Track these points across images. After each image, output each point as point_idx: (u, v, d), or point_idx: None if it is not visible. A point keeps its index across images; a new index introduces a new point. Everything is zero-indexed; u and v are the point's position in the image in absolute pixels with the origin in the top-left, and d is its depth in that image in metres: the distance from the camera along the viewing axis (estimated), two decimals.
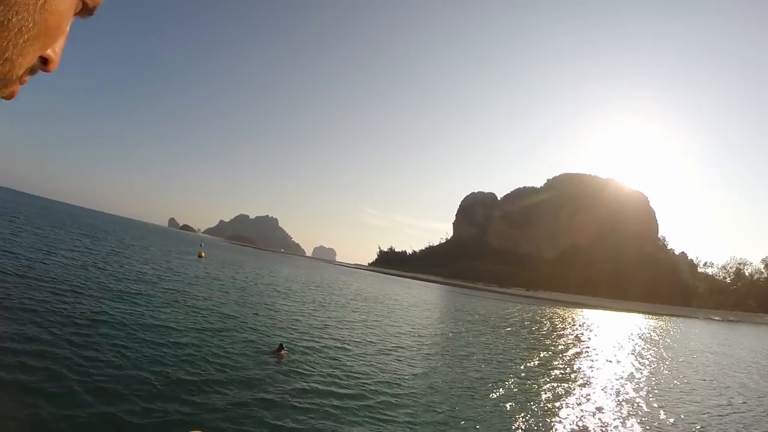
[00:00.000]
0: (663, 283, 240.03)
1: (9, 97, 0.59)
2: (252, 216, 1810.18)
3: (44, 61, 0.60)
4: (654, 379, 23.08)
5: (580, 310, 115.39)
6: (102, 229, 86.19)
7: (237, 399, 10.36)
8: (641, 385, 20.70)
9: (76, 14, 0.60)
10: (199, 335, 15.88)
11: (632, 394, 18.74)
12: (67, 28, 0.60)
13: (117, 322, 15.23)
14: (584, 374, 21.62)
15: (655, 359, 31.08)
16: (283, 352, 15.19)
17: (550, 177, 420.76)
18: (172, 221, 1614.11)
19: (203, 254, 67.48)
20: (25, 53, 0.55)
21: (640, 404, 17.24)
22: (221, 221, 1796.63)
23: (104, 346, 12.39)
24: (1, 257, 23.35)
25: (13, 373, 9.29)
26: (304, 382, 12.81)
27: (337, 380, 13.69)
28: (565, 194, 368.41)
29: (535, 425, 13.09)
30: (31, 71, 0.59)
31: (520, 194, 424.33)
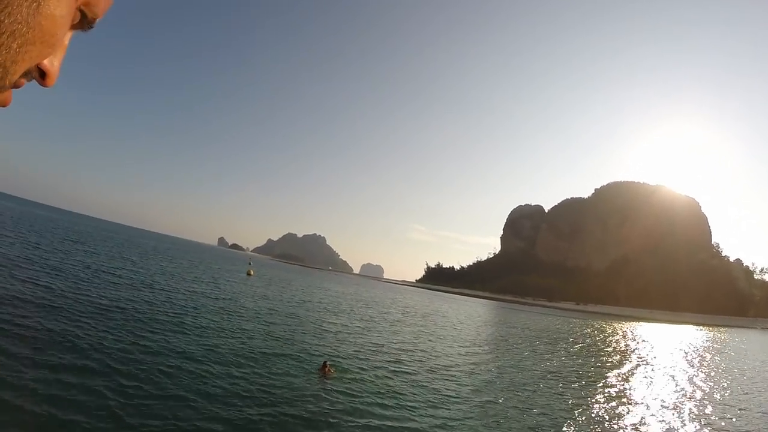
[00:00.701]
0: (717, 292, 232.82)
1: (2, 104, 0.58)
2: (300, 234, 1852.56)
3: (42, 75, 0.59)
4: (720, 396, 21.87)
5: (632, 323, 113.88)
6: (154, 249, 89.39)
7: (279, 418, 10.33)
8: (710, 405, 19.48)
9: (75, 27, 0.60)
10: (246, 352, 15.94)
11: (704, 414, 17.69)
12: (66, 41, 0.59)
13: (164, 341, 15.34)
14: (648, 393, 20.47)
15: (719, 375, 29.92)
16: (327, 369, 14.89)
17: (598, 186, 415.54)
18: (221, 240, 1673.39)
19: (252, 272, 68.88)
20: (18, 59, 0.54)
21: (712, 424, 16.28)
22: (269, 240, 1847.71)
23: (151, 364, 12.50)
24: (57, 277, 24.00)
25: (55, 394, 9.32)
26: (348, 400, 12.53)
27: (383, 399, 13.33)
28: (613, 203, 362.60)
29: None
30: (26, 75, 0.58)
31: (567, 205, 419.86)
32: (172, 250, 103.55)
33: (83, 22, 0.61)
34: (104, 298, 20.78)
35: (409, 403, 13.54)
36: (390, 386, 15.08)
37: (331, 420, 10.91)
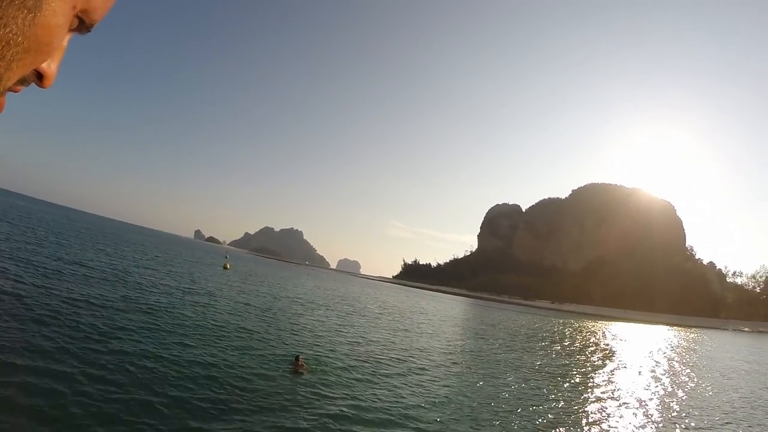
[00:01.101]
0: (691, 294, 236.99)
1: None
2: (277, 229, 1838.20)
3: (39, 77, 0.59)
4: (691, 395, 22.40)
5: (607, 322, 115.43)
6: (127, 240, 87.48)
7: (247, 412, 10.23)
8: (680, 402, 20.21)
9: (72, 30, 0.60)
10: (219, 347, 15.80)
11: (673, 411, 18.36)
12: (65, 43, 0.59)
13: (137, 335, 15.07)
14: (620, 391, 20.90)
15: (689, 374, 30.52)
16: (300, 363, 14.88)
17: (575, 187, 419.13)
18: (197, 233, 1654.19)
19: (228, 266, 68.45)
20: (13, 67, 0.54)
21: (682, 422, 16.71)
22: (246, 233, 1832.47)
23: (120, 359, 12.21)
24: (24, 267, 23.43)
25: (18, 390, 8.93)
26: (317, 395, 12.48)
27: (354, 395, 13.28)
28: (590, 204, 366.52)
29: None
30: (23, 81, 0.58)
31: (544, 205, 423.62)
32: (147, 242, 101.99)
33: (81, 26, 0.61)
34: (73, 292, 20.08)
35: (381, 400, 13.48)
36: (363, 382, 15.12)
37: (298, 414, 10.89)
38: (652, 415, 17.23)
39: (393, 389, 14.73)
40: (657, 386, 23.58)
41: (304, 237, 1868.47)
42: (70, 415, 8.39)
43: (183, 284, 33.19)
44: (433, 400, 14.39)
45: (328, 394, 12.77)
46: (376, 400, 13.20)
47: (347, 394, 13.19)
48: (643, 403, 18.85)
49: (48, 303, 16.60)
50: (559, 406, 16.35)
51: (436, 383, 16.92)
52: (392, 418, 12.03)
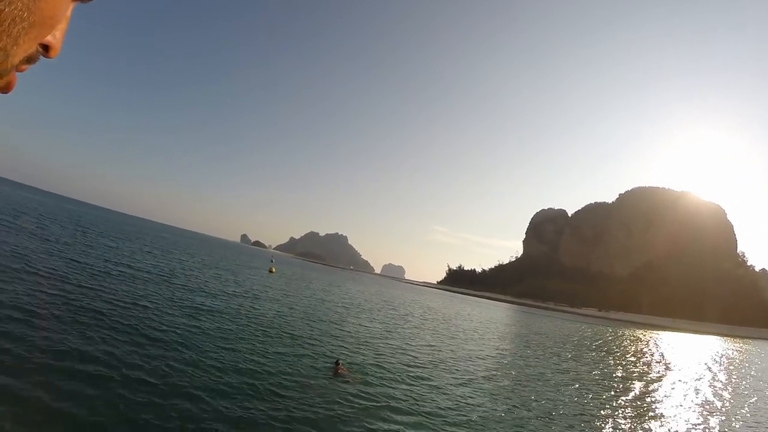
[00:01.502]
0: (742, 302, 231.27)
1: (4, 90, 0.58)
2: (322, 233, 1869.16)
3: (45, 48, 0.59)
4: (741, 411, 21.08)
5: (656, 332, 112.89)
6: (175, 243, 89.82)
7: (283, 415, 10.09)
8: (731, 419, 18.92)
9: (76, 0, 0.60)
10: (261, 350, 15.60)
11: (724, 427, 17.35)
12: (68, 13, 0.59)
13: (182, 336, 15.05)
14: (670, 405, 19.77)
15: (748, 388, 28.99)
16: (340, 367, 14.69)
17: (622, 191, 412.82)
18: (244, 237, 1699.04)
19: (274, 269, 69.60)
20: (20, 43, 0.54)
21: None
22: (292, 238, 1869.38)
23: (165, 359, 12.24)
24: (75, 269, 23.48)
25: (65, 392, 8.83)
26: (356, 400, 12.19)
27: (395, 402, 12.86)
28: (637, 208, 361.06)
29: None
30: (30, 60, 0.58)
31: (591, 210, 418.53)
32: (195, 246, 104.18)
33: None
34: (123, 293, 20.29)
35: (422, 407, 12.90)
36: (403, 389, 14.48)
37: (336, 419, 10.62)
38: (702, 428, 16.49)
39: (438, 399, 14.02)
40: (717, 401, 22.48)
41: (349, 242, 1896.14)
42: (106, 419, 8.11)
43: (228, 287, 33.04)
44: (481, 410, 13.62)
45: (364, 399, 12.41)
46: (415, 407, 12.66)
47: (385, 400, 12.77)
48: (706, 418, 17.96)
49: (95, 305, 16.41)
50: (624, 421, 15.45)
51: (483, 393, 15.96)
52: (430, 425, 11.68)
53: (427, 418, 12.11)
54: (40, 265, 21.69)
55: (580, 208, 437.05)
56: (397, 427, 11.03)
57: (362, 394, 12.87)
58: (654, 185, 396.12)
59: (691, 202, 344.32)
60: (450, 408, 13.36)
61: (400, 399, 13.28)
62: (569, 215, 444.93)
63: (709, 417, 18.44)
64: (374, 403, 12.35)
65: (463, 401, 14.36)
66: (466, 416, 12.84)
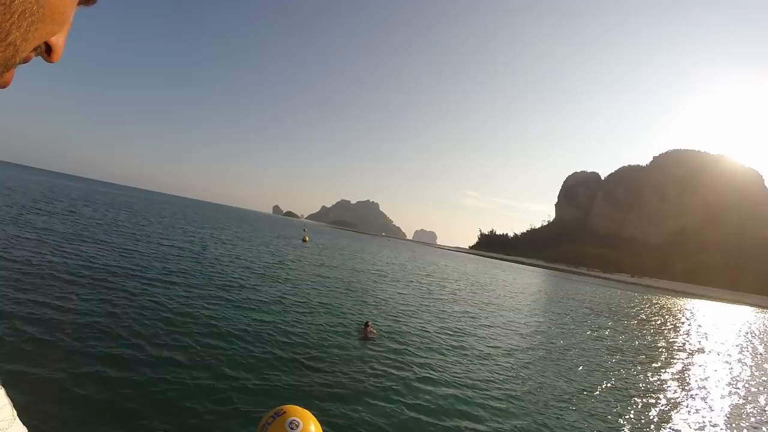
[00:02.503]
0: None
1: (5, 84, 0.58)
2: (353, 201, 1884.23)
3: (47, 50, 0.58)
4: None
5: (689, 299, 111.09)
6: (209, 217, 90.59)
7: (317, 374, 10.06)
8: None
9: (80, 3, 0.59)
10: (294, 319, 15.22)
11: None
12: (72, 17, 0.58)
13: (220, 303, 15.32)
14: (705, 382, 17.72)
15: None
16: (370, 329, 14.65)
17: (656, 154, 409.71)
18: (276, 208, 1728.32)
19: (307, 239, 69.93)
20: (28, 37, 0.55)
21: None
22: (323, 207, 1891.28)
23: (206, 321, 12.53)
24: (108, 249, 22.80)
25: (101, 359, 8.71)
26: (381, 359, 12.03)
27: (422, 364, 12.40)
28: (672, 173, 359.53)
29: None
30: (32, 51, 0.58)
31: (624, 173, 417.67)
32: (227, 219, 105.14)
33: None
34: (153, 269, 19.73)
35: (453, 374, 12.21)
36: (433, 354, 13.94)
37: (364, 377, 10.45)
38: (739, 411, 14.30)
39: (470, 365, 13.44)
40: (743, 377, 20.39)
41: (380, 209, 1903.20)
42: (126, 400, 7.50)
43: (263, 258, 33.00)
44: (518, 382, 12.77)
45: (389, 360, 12.21)
46: (445, 373, 12.08)
47: (410, 362, 12.45)
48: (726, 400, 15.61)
49: (131, 283, 15.97)
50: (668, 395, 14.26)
51: (522, 365, 14.91)
52: (454, 385, 11.17)
53: (459, 389, 11.18)
54: (75, 246, 21.51)
55: (613, 172, 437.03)
56: (411, 386, 10.59)
57: (385, 354, 12.69)
58: (690, 148, 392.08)
59: (728, 166, 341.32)
60: (487, 380, 12.32)
61: (425, 361, 12.82)
62: (602, 179, 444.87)
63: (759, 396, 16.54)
64: (395, 363, 12.09)
65: (502, 373, 13.36)
66: (507, 389, 11.87)
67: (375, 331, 14.81)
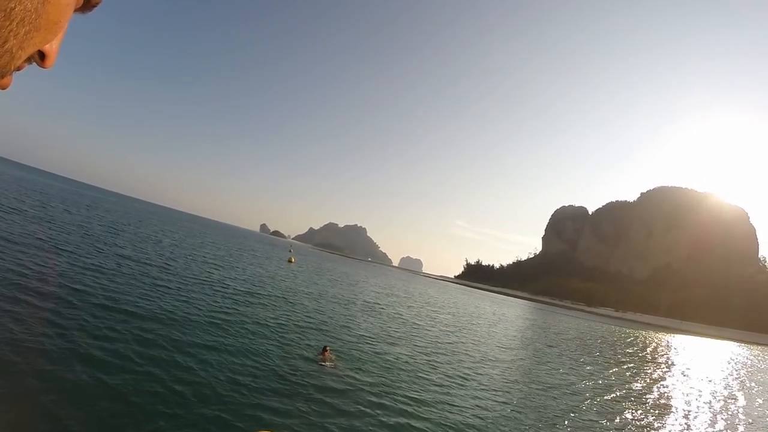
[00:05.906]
0: (764, 309, 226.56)
1: (3, 87, 0.59)
2: (341, 224, 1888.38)
3: (41, 56, 0.60)
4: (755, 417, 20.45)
5: (672, 335, 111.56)
6: (196, 232, 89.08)
7: (257, 402, 9.64)
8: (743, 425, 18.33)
9: (77, 10, 0.61)
10: (264, 340, 15.18)
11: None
12: (66, 26, 0.60)
13: (193, 322, 14.95)
14: (684, 410, 18.99)
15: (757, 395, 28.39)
16: (327, 354, 14.32)
17: (644, 190, 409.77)
18: (263, 227, 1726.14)
19: (293, 259, 68.96)
20: (25, 45, 0.56)
21: None
22: (310, 228, 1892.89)
23: (168, 343, 12.12)
24: (94, 254, 23.18)
25: (80, 370, 8.82)
26: (341, 387, 11.84)
27: (380, 395, 12.02)
28: (659, 209, 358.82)
29: None
30: (27, 59, 0.59)
31: (612, 208, 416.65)
32: (214, 235, 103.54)
33: (85, 6, 0.62)
34: (133, 282, 19.30)
35: (411, 399, 12.17)
36: (393, 379, 13.73)
37: (317, 408, 10.04)
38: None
39: (444, 398, 13.11)
40: (721, 408, 21.59)
41: (368, 234, 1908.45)
42: (99, 411, 7.62)
43: (246, 277, 32.76)
44: (488, 413, 12.53)
45: (343, 386, 11.96)
46: (404, 400, 11.95)
47: (366, 389, 12.15)
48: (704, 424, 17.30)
49: (111, 291, 16.12)
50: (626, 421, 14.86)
51: (504, 401, 14.48)
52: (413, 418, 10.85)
53: (412, 406, 11.51)
54: (47, 254, 20.29)
55: (600, 207, 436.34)
56: (373, 416, 10.37)
57: (341, 379, 12.53)
58: (677, 185, 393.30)
59: (714, 204, 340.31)
60: (461, 410, 12.26)
61: (377, 388, 12.47)
62: (590, 213, 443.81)
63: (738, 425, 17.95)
64: (349, 389, 11.85)
65: (482, 406, 13.13)
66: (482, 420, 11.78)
67: (333, 356, 14.66)
